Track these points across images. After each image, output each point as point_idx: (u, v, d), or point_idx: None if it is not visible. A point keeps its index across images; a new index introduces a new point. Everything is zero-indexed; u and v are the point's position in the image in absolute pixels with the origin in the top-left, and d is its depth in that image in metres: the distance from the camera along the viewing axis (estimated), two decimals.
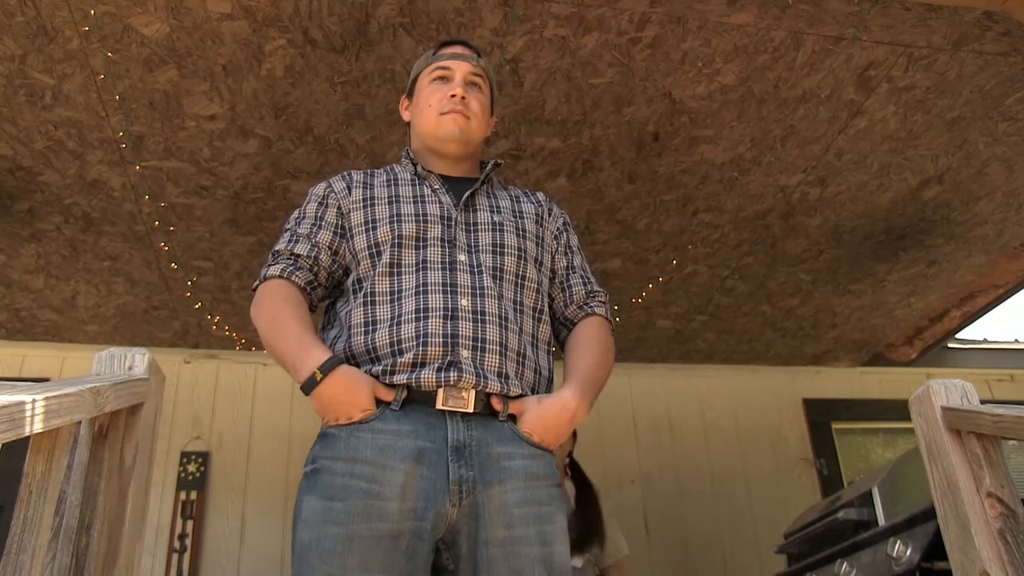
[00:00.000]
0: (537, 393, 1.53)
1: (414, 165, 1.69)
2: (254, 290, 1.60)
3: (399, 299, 1.50)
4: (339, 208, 1.63)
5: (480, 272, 1.53)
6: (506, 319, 1.51)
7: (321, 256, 1.60)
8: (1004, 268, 4.20)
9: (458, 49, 1.75)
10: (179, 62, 2.65)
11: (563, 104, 2.93)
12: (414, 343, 1.43)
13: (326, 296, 1.65)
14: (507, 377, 1.47)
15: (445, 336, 1.44)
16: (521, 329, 1.54)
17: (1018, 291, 4.38)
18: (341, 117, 2.94)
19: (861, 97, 2.96)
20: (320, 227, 1.62)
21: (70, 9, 2.43)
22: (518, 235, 1.62)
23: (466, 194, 1.63)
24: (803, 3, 2.54)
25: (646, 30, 2.63)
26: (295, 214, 1.68)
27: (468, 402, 1.42)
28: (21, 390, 1.13)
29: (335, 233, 1.62)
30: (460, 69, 1.71)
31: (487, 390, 1.44)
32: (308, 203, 1.67)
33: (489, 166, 1.70)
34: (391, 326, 1.47)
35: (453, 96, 1.67)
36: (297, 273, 1.57)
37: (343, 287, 1.61)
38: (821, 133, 3.14)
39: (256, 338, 4.16)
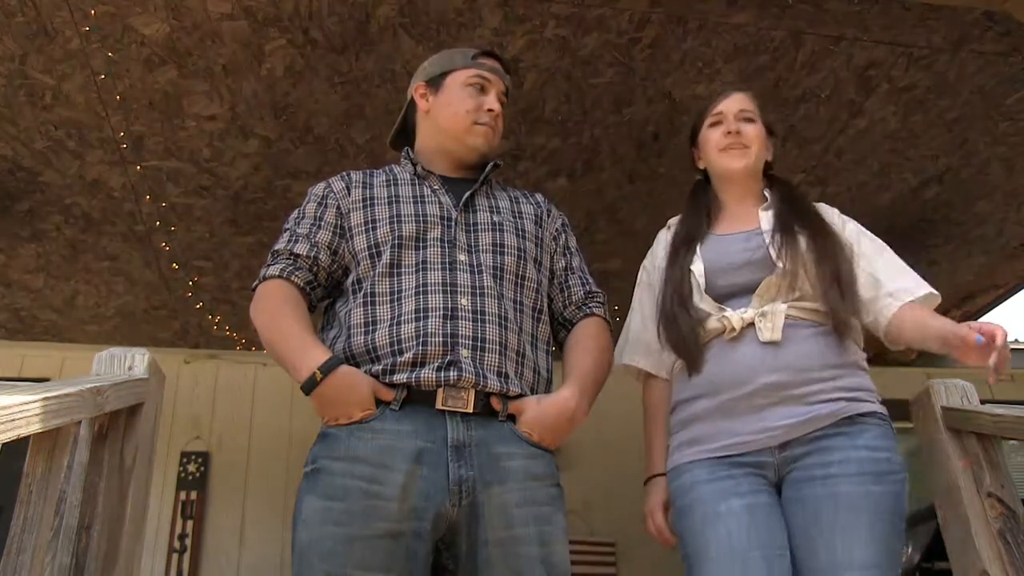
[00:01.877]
0: (536, 393, 1.53)
1: (413, 165, 1.70)
2: (253, 290, 1.60)
3: (399, 299, 1.50)
4: (338, 208, 1.62)
5: (480, 271, 1.54)
6: (506, 318, 1.51)
7: (320, 256, 1.59)
8: (1004, 268, 4.20)
9: (496, 64, 1.77)
10: (179, 62, 2.65)
11: (563, 104, 2.93)
12: (414, 342, 1.44)
13: (325, 296, 1.65)
14: (507, 376, 1.47)
15: (445, 335, 1.44)
16: (521, 328, 1.54)
17: (1018, 291, 4.39)
18: (341, 117, 2.94)
19: (861, 97, 2.96)
20: (320, 227, 1.61)
21: (70, 9, 2.43)
22: (518, 235, 1.63)
23: (466, 195, 1.64)
24: (803, 3, 2.54)
25: (646, 30, 2.63)
26: (294, 214, 1.68)
27: (468, 402, 1.42)
28: (21, 390, 1.13)
29: (334, 233, 1.61)
30: (496, 86, 1.74)
31: (487, 389, 1.44)
32: (307, 203, 1.66)
33: (488, 167, 1.71)
34: (391, 326, 1.47)
35: (490, 111, 1.70)
36: (297, 273, 1.56)
37: (342, 287, 1.61)
38: (821, 133, 3.14)
39: (256, 338, 4.17)
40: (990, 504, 1.53)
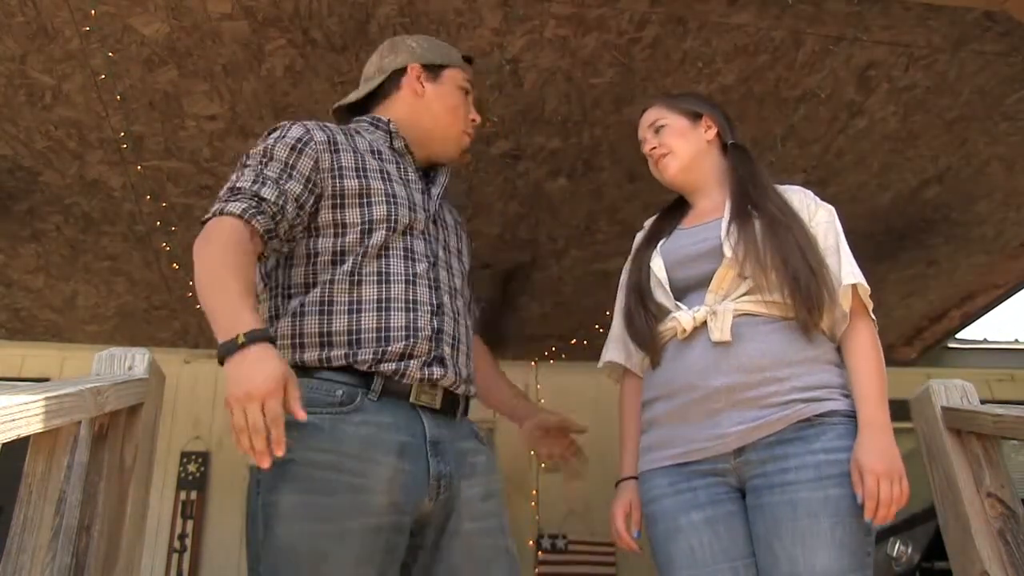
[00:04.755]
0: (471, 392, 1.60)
1: (390, 136, 1.62)
2: (203, 222, 1.40)
3: (387, 284, 1.46)
4: (316, 161, 1.47)
5: (451, 271, 1.58)
6: (466, 319, 1.59)
7: (287, 207, 1.41)
8: (1004, 268, 4.20)
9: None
10: (179, 62, 2.65)
11: (563, 104, 2.93)
12: (403, 334, 1.42)
13: (274, 251, 1.46)
14: (471, 376, 1.55)
15: (432, 331, 1.46)
16: (468, 329, 1.61)
17: (1018, 291, 4.39)
18: None
19: (861, 97, 2.96)
20: (290, 176, 1.44)
21: (70, 9, 2.43)
22: (460, 239, 1.69)
23: (437, 193, 1.63)
24: (803, 3, 2.54)
25: (646, 30, 2.63)
26: (258, 150, 1.48)
27: (436, 399, 1.45)
28: (21, 390, 1.13)
29: (305, 187, 1.45)
30: (472, 94, 1.77)
31: (459, 387, 1.50)
32: (276, 144, 1.48)
33: (448, 169, 1.72)
34: (379, 312, 1.43)
35: (474, 120, 1.73)
36: (259, 218, 1.38)
37: (317, 251, 1.47)
38: (821, 133, 3.14)
39: None
40: (990, 504, 1.53)
